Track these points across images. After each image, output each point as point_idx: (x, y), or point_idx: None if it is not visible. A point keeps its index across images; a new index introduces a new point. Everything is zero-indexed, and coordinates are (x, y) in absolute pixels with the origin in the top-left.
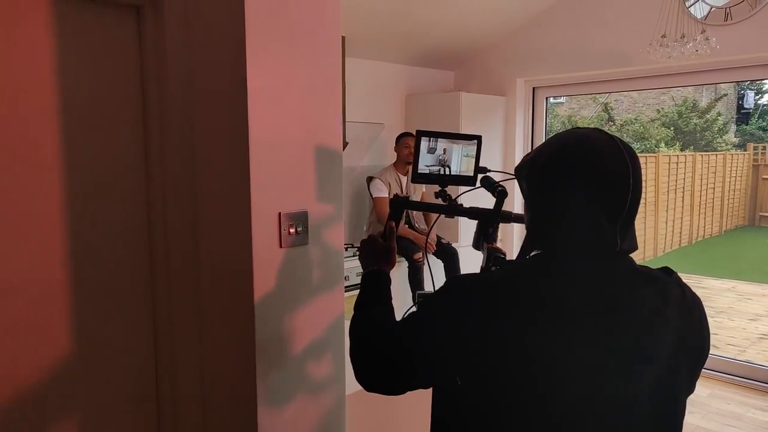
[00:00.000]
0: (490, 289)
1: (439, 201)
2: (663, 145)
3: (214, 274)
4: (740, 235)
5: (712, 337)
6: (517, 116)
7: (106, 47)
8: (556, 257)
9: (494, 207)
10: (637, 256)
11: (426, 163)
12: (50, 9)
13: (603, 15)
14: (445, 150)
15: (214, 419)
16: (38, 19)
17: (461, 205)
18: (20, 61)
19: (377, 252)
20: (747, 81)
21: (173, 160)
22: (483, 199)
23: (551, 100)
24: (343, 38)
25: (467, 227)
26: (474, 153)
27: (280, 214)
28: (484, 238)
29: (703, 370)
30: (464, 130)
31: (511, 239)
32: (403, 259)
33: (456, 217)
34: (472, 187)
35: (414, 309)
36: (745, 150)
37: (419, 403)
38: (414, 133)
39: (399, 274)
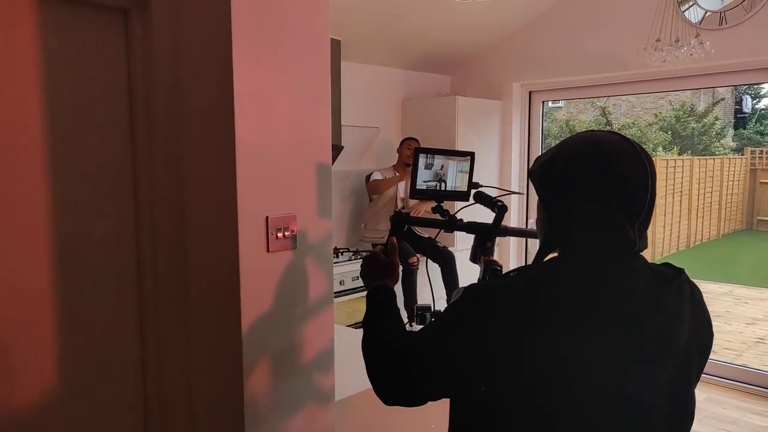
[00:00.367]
0: (518, 295)
1: (437, 216)
2: (661, 149)
3: (202, 278)
4: (738, 239)
5: None
6: (513, 120)
7: (92, 50)
8: (578, 259)
9: (494, 221)
10: None
11: (424, 178)
12: (35, 11)
13: (599, 19)
14: (442, 166)
15: (202, 427)
16: (23, 22)
17: (461, 220)
18: (4, 64)
19: (380, 268)
20: (743, 85)
21: (160, 164)
22: (479, 213)
23: (549, 104)
24: (339, 42)
25: (463, 233)
26: (467, 169)
27: (267, 218)
28: (482, 252)
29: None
30: (460, 135)
31: (507, 251)
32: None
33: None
34: (469, 203)
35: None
36: (743, 154)
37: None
38: (417, 139)
39: None
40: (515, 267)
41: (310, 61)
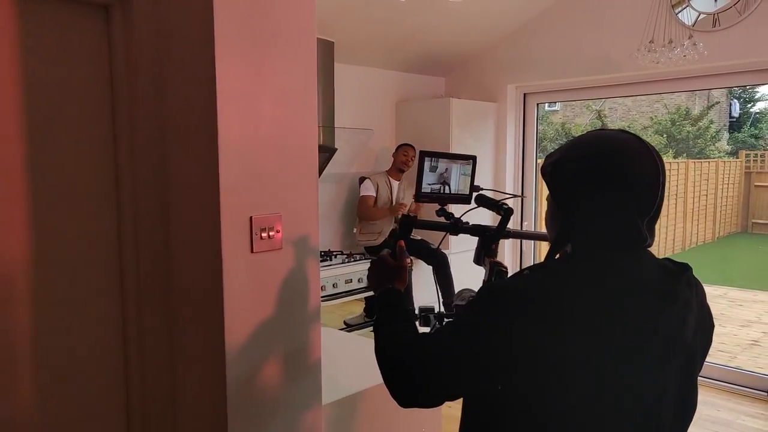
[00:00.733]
0: (536, 293)
1: (441, 219)
2: None
3: (185, 279)
4: (733, 242)
5: None
6: (508, 122)
7: (73, 47)
8: (593, 255)
9: (500, 224)
10: None
11: (428, 181)
12: (13, 6)
13: (594, 21)
14: (446, 169)
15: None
16: (0, 17)
17: (467, 222)
18: None
19: (390, 271)
20: (737, 87)
21: (143, 163)
22: (481, 215)
23: (546, 108)
24: (333, 44)
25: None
26: (470, 172)
27: (251, 218)
28: (485, 254)
29: None
30: (455, 137)
31: (503, 252)
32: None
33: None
34: (474, 206)
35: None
36: (738, 157)
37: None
38: (413, 145)
39: None
40: (527, 266)
41: (295, 61)
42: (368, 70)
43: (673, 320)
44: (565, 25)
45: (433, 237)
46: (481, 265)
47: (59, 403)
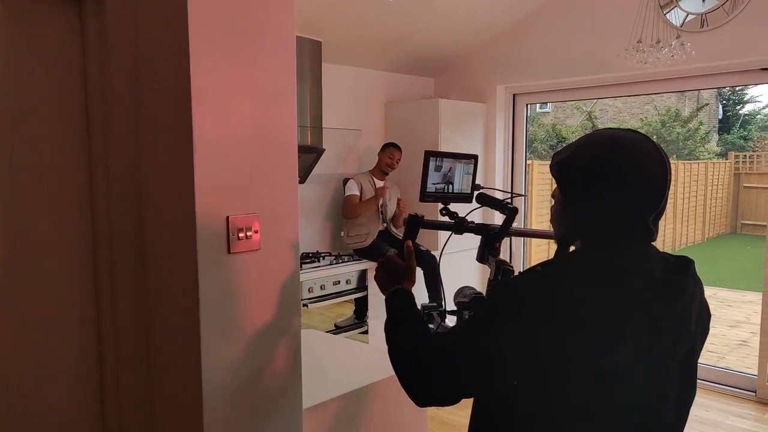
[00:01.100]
0: (549, 289)
1: (445, 218)
2: None
3: (161, 280)
4: (722, 243)
5: None
6: (497, 123)
7: (44, 43)
8: (603, 251)
9: (504, 223)
10: None
11: (433, 181)
12: None
13: (582, 22)
14: (450, 168)
15: None
16: None
17: (472, 222)
18: None
19: (398, 272)
20: (726, 89)
21: (117, 162)
22: (479, 214)
23: (537, 109)
24: (320, 43)
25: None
26: (471, 171)
27: (228, 218)
28: (490, 252)
29: None
30: (444, 138)
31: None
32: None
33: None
34: (478, 206)
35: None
36: (727, 158)
37: (384, 415)
38: (399, 147)
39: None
40: (538, 262)
41: (273, 59)
42: (357, 71)
43: (680, 313)
44: (554, 25)
45: (422, 238)
46: (484, 263)
47: (33, 408)
